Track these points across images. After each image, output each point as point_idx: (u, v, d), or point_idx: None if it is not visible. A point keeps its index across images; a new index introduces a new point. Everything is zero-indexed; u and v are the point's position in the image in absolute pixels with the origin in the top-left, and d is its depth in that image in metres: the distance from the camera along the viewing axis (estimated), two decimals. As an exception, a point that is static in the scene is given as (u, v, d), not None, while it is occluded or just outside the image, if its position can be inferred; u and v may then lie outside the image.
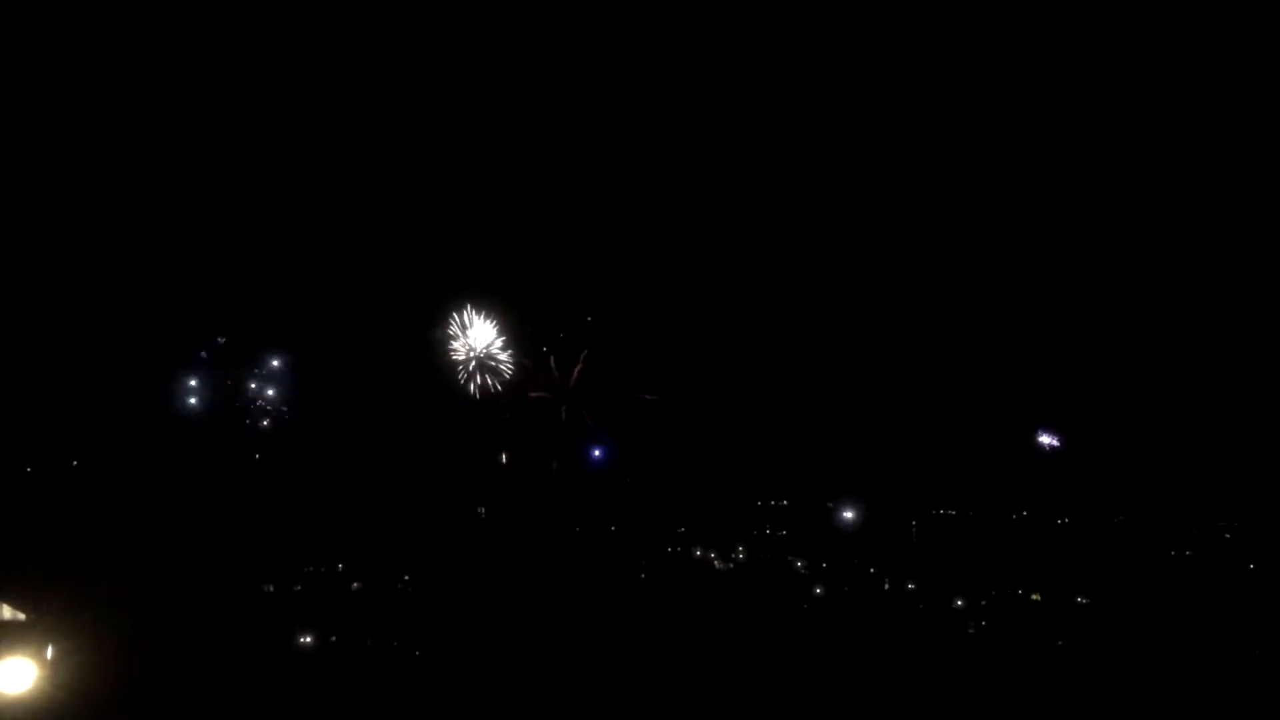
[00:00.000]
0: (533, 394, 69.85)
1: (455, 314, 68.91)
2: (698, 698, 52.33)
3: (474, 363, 68.57)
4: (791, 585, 75.18)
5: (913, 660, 62.37)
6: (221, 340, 70.38)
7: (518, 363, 69.02)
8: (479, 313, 69.25)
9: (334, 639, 61.91)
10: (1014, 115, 73.75)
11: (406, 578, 67.62)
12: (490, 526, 71.27)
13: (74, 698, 34.41)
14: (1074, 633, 66.37)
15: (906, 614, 71.16)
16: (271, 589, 64.99)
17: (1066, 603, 69.62)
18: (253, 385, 71.45)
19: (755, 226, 76.65)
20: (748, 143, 76.15)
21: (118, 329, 67.56)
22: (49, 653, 36.97)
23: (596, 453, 71.34)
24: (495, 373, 69.05)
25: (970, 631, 69.33)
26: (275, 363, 71.62)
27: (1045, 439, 77.41)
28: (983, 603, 70.81)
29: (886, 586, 75.50)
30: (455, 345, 68.90)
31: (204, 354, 70.41)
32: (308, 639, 61.08)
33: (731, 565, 79.81)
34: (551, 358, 70.14)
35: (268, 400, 71.50)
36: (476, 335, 68.81)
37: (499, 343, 69.35)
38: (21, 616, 42.06)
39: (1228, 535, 72.29)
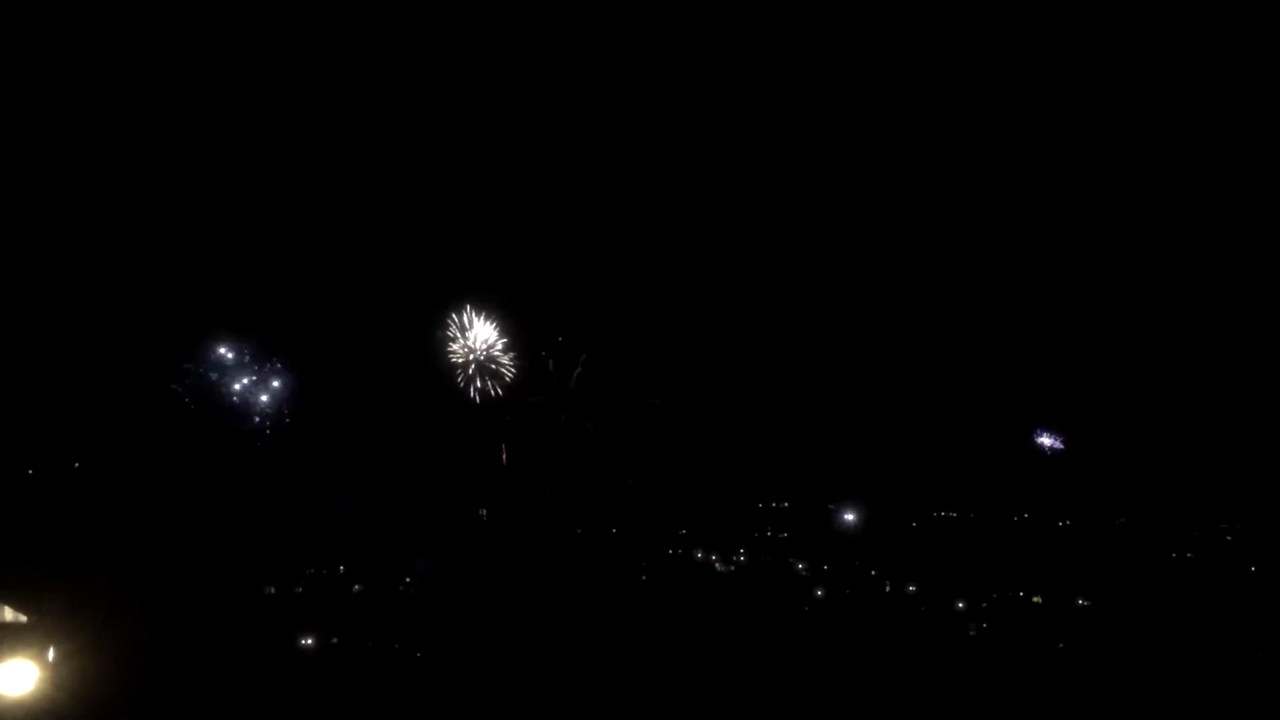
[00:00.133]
0: (532, 398, 69.88)
1: (454, 315, 68.90)
2: (699, 699, 52.32)
3: (473, 365, 68.57)
4: (793, 587, 75.14)
5: (914, 662, 62.37)
6: (223, 346, 70.40)
7: (518, 365, 69.09)
8: (478, 314, 69.25)
9: (335, 641, 61.93)
10: (1014, 116, 73.80)
11: (408, 580, 67.63)
12: (491, 528, 71.27)
13: (75, 700, 34.47)
14: (1075, 635, 66.32)
15: (908, 616, 71.11)
16: (272, 590, 65.01)
17: (1067, 605, 69.57)
18: (253, 387, 71.45)
19: (756, 229, 76.69)
20: (748, 146, 76.21)
21: (119, 331, 67.59)
22: (50, 655, 37.00)
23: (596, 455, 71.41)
24: (495, 375, 69.06)
25: (971, 633, 69.29)
26: (275, 364, 71.63)
27: (1046, 440, 77.42)
28: (984, 605, 70.77)
29: (888, 589, 75.44)
30: (454, 347, 68.92)
31: (204, 355, 70.43)
32: (309, 640, 61.11)
33: (733, 567, 79.78)
34: (550, 361, 70.19)
35: (268, 401, 71.51)
36: (476, 337, 68.80)
37: (499, 345, 69.37)
38: (23, 618, 42.10)
39: (1229, 537, 72.25)
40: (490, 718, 51.40)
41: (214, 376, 70.26)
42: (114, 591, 49.93)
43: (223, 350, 70.70)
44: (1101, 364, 74.67)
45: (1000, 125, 74.14)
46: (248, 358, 71.02)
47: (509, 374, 69.38)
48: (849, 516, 78.04)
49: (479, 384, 68.67)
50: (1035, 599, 70.95)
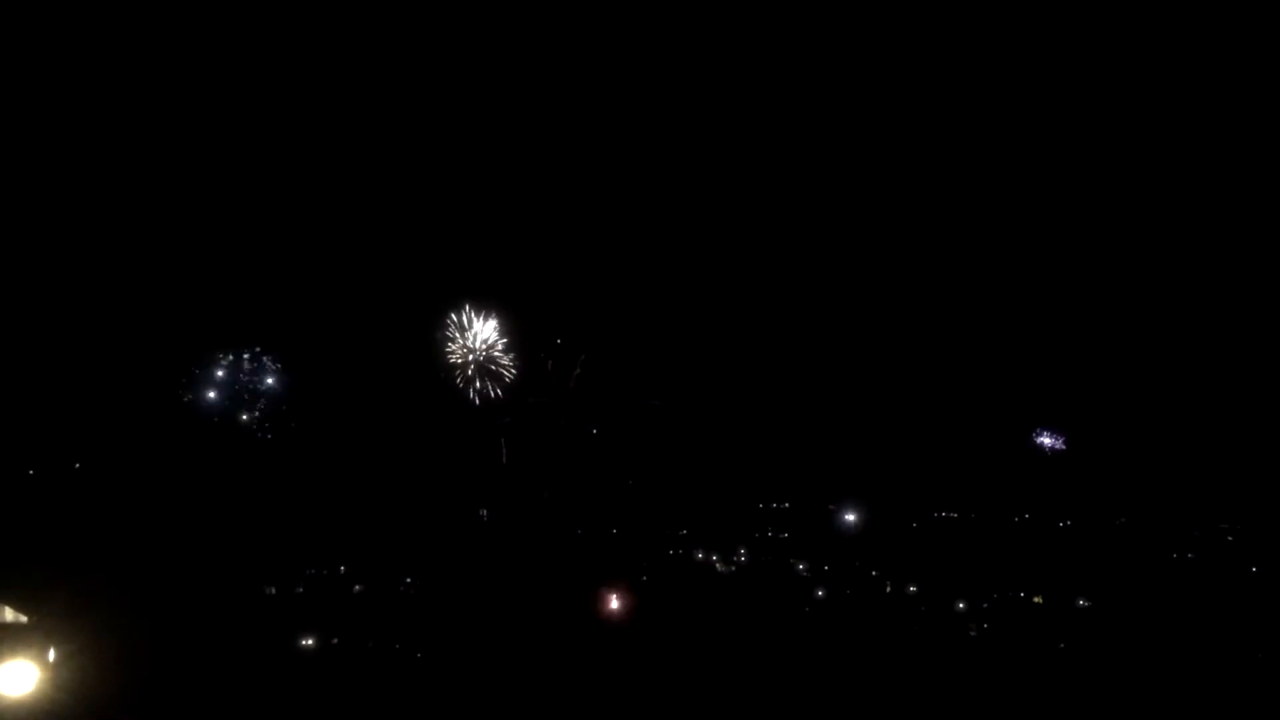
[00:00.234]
0: (531, 399, 69.88)
1: (453, 315, 68.82)
2: (700, 700, 52.31)
3: (473, 366, 68.54)
4: (793, 588, 75.12)
5: (915, 662, 62.33)
6: (224, 351, 70.46)
7: (517, 365, 69.08)
8: (478, 314, 69.20)
9: (336, 641, 61.93)
10: (1014, 115, 73.84)
11: (409, 580, 67.62)
12: (492, 529, 71.26)
13: (75, 700, 34.50)
14: (1076, 635, 66.29)
15: (908, 616, 71.09)
16: (273, 591, 65.01)
17: (1068, 605, 69.53)
18: (254, 388, 71.50)
19: (755, 230, 76.72)
20: (748, 147, 76.25)
21: (120, 332, 67.68)
22: (51, 655, 37.04)
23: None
24: (495, 376, 69.05)
25: (972, 634, 69.26)
26: (276, 365, 71.66)
27: (1046, 441, 77.42)
28: (984, 605, 70.74)
29: (888, 589, 75.42)
30: (453, 348, 68.86)
31: (206, 357, 70.49)
32: (309, 641, 61.11)
33: (733, 568, 79.75)
34: (550, 362, 70.19)
35: (269, 403, 71.55)
36: (475, 337, 68.77)
37: (499, 345, 69.36)
38: (24, 619, 42.14)
39: (1229, 537, 72.21)
40: (491, 717, 51.41)
41: (215, 378, 70.36)
42: (115, 593, 49.94)
43: (224, 351, 70.83)
44: (1102, 365, 74.71)
45: (1001, 127, 74.24)
46: (248, 359, 71.11)
47: (509, 374, 69.42)
48: (850, 517, 78.04)
49: (478, 385, 68.71)
50: (1036, 599, 70.92)
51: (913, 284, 77.32)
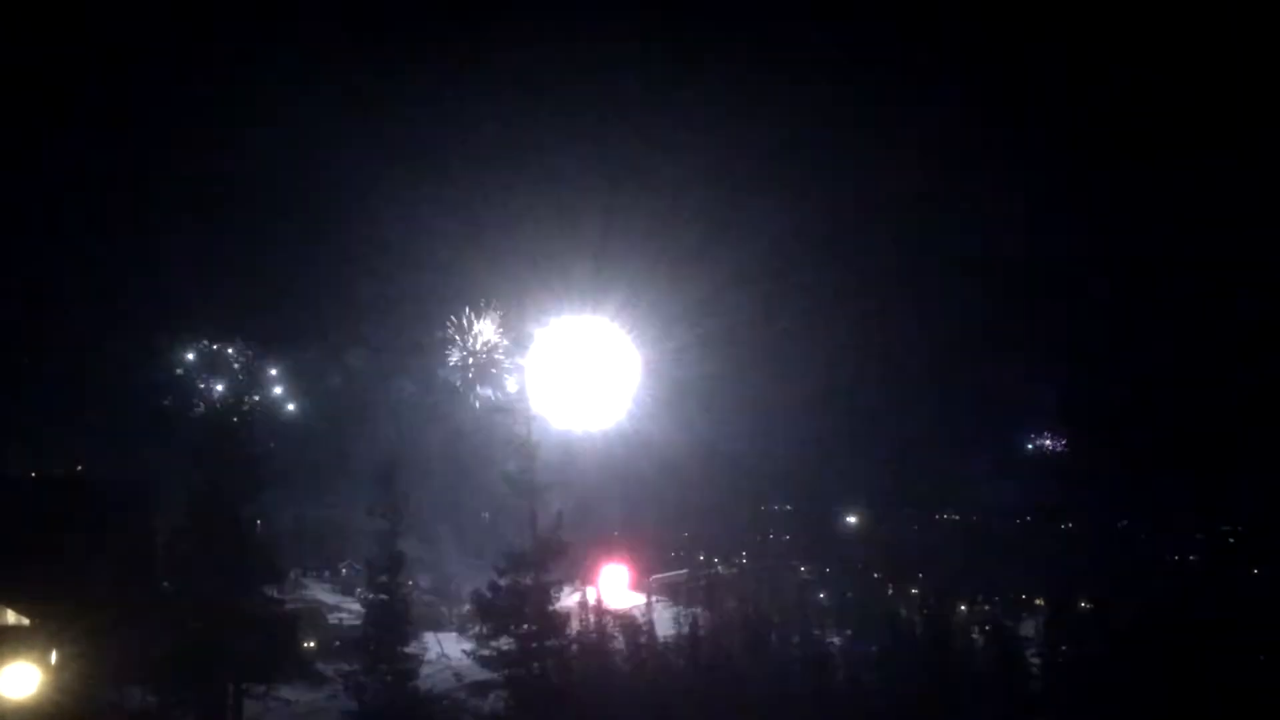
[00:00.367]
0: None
1: (453, 317, 68.80)
2: (702, 704, 52.26)
3: (473, 370, 68.49)
4: (795, 590, 75.11)
5: (915, 664, 62.23)
6: (223, 346, 70.49)
7: (517, 367, 69.03)
8: (478, 315, 69.19)
9: (337, 644, 61.91)
10: (1013, 115, 74.00)
11: (410, 583, 67.45)
12: (494, 531, 71.16)
13: (77, 703, 34.49)
14: (1077, 638, 66.17)
15: (909, 619, 71.00)
16: (275, 593, 64.86)
17: (1069, 608, 69.43)
18: (255, 390, 71.51)
19: (757, 230, 76.85)
20: (748, 147, 76.38)
21: (122, 333, 67.83)
22: (53, 658, 37.04)
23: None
24: (496, 379, 69.04)
25: (973, 636, 69.17)
26: (276, 367, 71.76)
27: (1048, 443, 77.47)
28: (986, 608, 70.70)
29: (890, 592, 75.44)
30: (452, 349, 68.83)
31: (206, 358, 70.57)
32: (311, 643, 61.15)
33: (735, 571, 79.83)
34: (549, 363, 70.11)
35: (269, 404, 71.61)
36: (476, 339, 68.72)
37: (501, 347, 69.37)
38: (25, 621, 42.12)
39: (1231, 540, 72.19)
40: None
41: (216, 379, 70.42)
42: (117, 594, 49.88)
43: (225, 353, 70.89)
44: (1103, 366, 74.79)
45: (1000, 126, 74.39)
46: (249, 361, 71.18)
47: (509, 376, 69.44)
48: (851, 520, 78.10)
49: (479, 387, 68.72)
50: (1038, 601, 70.88)
51: (914, 287, 77.45)
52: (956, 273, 77.23)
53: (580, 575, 65.60)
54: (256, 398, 70.82)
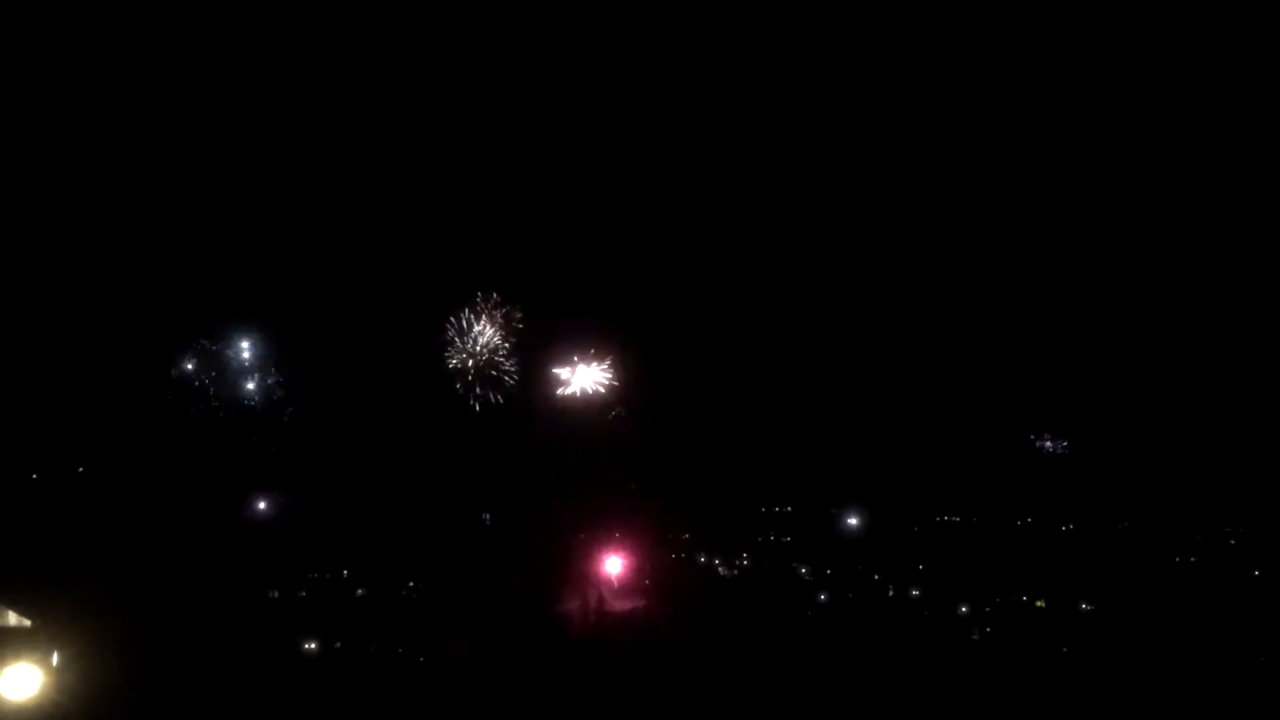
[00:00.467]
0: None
1: (453, 318, 68.61)
2: (702, 704, 52.32)
3: (473, 372, 68.38)
4: (795, 592, 75.12)
5: (916, 666, 62.33)
6: (226, 350, 70.42)
7: (518, 370, 68.96)
8: (478, 317, 69.03)
9: (338, 645, 61.97)
10: (1014, 115, 73.86)
11: (411, 584, 67.61)
12: (494, 532, 71.25)
13: (78, 704, 34.53)
14: (1078, 639, 66.25)
15: (910, 620, 71.06)
16: (276, 595, 65.05)
17: (1071, 609, 69.49)
18: (256, 391, 71.54)
19: (756, 231, 76.72)
20: (748, 147, 76.25)
21: (123, 333, 67.73)
22: (54, 659, 37.07)
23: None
24: (497, 382, 68.90)
25: (974, 638, 69.23)
26: (277, 368, 71.68)
27: (1049, 444, 77.39)
28: (987, 609, 70.70)
29: (890, 593, 75.35)
30: (452, 351, 68.69)
31: (207, 359, 70.52)
32: (312, 645, 61.15)
33: (736, 572, 79.74)
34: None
35: (270, 406, 71.58)
36: (476, 340, 68.60)
37: (502, 349, 69.24)
38: (26, 623, 42.19)
39: (1232, 541, 72.18)
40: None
41: (216, 380, 70.39)
42: (118, 596, 49.98)
43: (225, 354, 70.84)
44: (1104, 367, 74.69)
45: (1001, 125, 74.25)
46: (250, 362, 71.14)
47: (510, 379, 69.35)
48: (852, 520, 77.96)
49: (479, 390, 68.61)
50: (1039, 603, 70.88)
51: (913, 285, 77.34)
52: (958, 272, 77.00)
53: (580, 576, 65.60)
54: (256, 398, 70.82)
